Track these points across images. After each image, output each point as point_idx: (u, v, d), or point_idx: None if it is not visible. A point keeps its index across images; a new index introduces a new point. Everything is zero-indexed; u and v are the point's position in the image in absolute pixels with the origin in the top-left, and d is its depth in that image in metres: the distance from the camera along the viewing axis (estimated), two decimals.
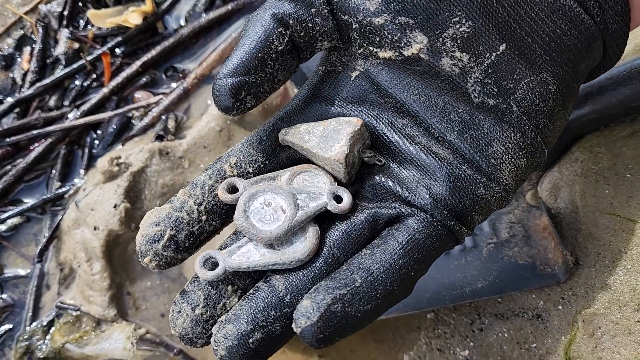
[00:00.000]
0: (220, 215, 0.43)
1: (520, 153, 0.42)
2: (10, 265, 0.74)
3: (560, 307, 0.60)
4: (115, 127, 0.78)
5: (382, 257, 0.40)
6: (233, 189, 0.42)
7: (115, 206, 0.68)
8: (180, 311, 0.41)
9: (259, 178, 0.43)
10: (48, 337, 0.69)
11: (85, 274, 0.69)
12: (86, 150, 0.78)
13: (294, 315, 0.38)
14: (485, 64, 0.41)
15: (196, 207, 0.42)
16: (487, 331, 0.62)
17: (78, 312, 0.69)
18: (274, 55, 0.41)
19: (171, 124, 0.77)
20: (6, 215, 0.75)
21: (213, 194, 0.42)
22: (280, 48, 0.41)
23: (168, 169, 0.72)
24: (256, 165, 0.44)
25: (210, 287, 0.41)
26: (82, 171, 0.77)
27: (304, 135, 0.43)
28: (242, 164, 0.44)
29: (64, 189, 0.76)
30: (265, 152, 0.44)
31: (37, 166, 0.78)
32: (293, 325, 0.38)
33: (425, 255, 0.41)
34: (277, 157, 0.45)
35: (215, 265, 0.41)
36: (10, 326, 0.71)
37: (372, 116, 0.44)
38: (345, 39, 0.43)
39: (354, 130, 0.42)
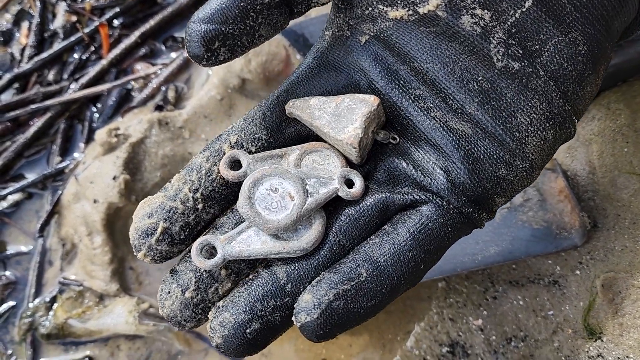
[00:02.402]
0: (218, 201, 0.39)
1: (547, 124, 0.38)
2: (13, 242, 0.73)
3: (577, 272, 0.57)
4: (114, 99, 0.77)
5: (390, 249, 0.37)
6: (235, 164, 0.39)
7: (114, 178, 0.67)
8: (169, 292, 0.38)
9: (265, 155, 0.39)
10: (51, 313, 0.67)
11: (87, 248, 0.67)
12: (86, 124, 0.77)
13: (294, 308, 0.36)
14: (509, 23, 0.37)
15: (191, 194, 0.39)
16: (501, 299, 0.59)
17: (81, 288, 0.68)
18: (258, 7, 0.37)
19: (171, 94, 0.75)
20: (7, 191, 0.74)
21: (210, 179, 0.39)
22: (266, 0, 0.37)
23: (168, 140, 0.70)
24: (259, 144, 0.40)
25: (202, 270, 0.38)
26: (82, 145, 0.76)
27: (314, 111, 0.39)
28: (244, 143, 0.40)
29: (64, 164, 0.74)
30: (270, 128, 0.40)
31: (37, 141, 0.77)
32: (293, 319, 0.36)
33: (437, 247, 0.38)
34: (282, 133, 0.41)
35: (212, 252, 0.38)
36: (14, 303, 0.70)
37: (385, 85, 0.40)
38: None
39: (370, 111, 0.38)
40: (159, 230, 0.38)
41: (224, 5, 0.36)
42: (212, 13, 0.36)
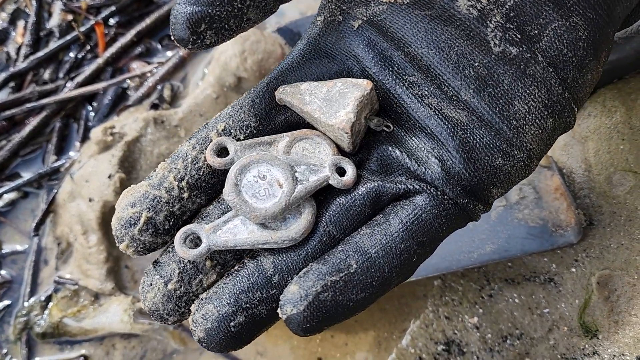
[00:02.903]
0: (205, 190, 0.38)
1: (546, 113, 0.36)
2: (8, 242, 0.73)
3: (573, 270, 0.57)
4: (110, 98, 0.77)
5: (382, 239, 0.35)
6: (223, 152, 0.38)
7: (109, 176, 0.66)
8: (151, 284, 0.37)
9: (253, 142, 0.38)
10: (46, 312, 0.67)
11: (82, 247, 0.67)
12: (82, 123, 0.77)
13: (280, 299, 0.34)
14: (508, 6, 0.36)
15: (177, 182, 0.37)
16: (497, 297, 0.59)
17: (76, 287, 0.68)
18: None
19: (167, 93, 0.75)
20: (2, 190, 0.74)
21: (197, 167, 0.38)
22: None
23: (164, 138, 0.70)
24: (248, 132, 0.39)
25: (186, 260, 0.37)
26: (77, 144, 0.75)
27: (305, 96, 0.38)
28: (232, 130, 0.39)
29: (60, 163, 0.74)
30: (259, 115, 0.39)
31: (33, 140, 0.77)
32: (279, 311, 0.34)
33: (431, 239, 0.36)
34: (272, 121, 0.39)
35: (197, 242, 0.37)
36: (9, 302, 0.69)
37: (378, 72, 0.38)
38: None
39: (363, 95, 0.37)
40: (142, 220, 0.36)
41: None
42: None
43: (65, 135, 0.77)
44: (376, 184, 0.37)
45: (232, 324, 0.35)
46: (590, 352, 0.54)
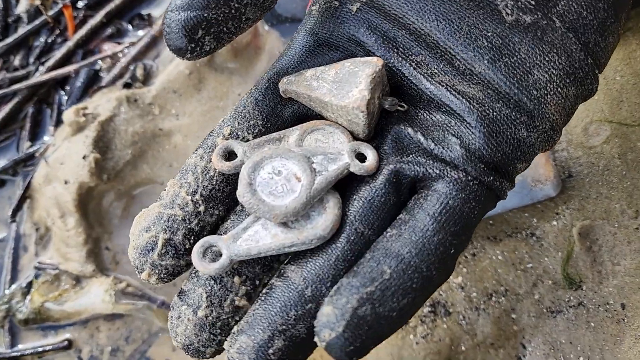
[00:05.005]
0: (221, 200, 0.35)
1: (568, 80, 0.34)
2: None
3: (554, 223, 0.57)
4: (82, 81, 0.75)
5: (411, 237, 0.32)
6: (231, 156, 0.35)
7: (84, 157, 0.66)
8: (180, 316, 0.34)
9: (262, 140, 0.35)
10: (28, 298, 0.66)
11: (60, 230, 0.66)
12: (55, 108, 0.76)
13: (314, 326, 0.30)
14: None
15: (190, 197, 0.34)
16: (480, 255, 0.59)
17: (56, 271, 0.67)
18: None
19: (139, 72, 0.74)
20: None
21: (208, 177, 0.35)
22: None
23: (138, 117, 0.69)
24: (256, 131, 0.36)
25: (212, 282, 0.34)
26: (51, 129, 0.74)
27: (312, 82, 0.36)
28: (239, 133, 0.36)
29: (34, 148, 0.73)
30: (265, 112, 0.37)
31: (6, 128, 0.76)
32: (316, 339, 0.30)
33: (464, 226, 0.33)
34: (279, 116, 0.37)
35: (217, 254, 0.33)
36: None
37: (384, 54, 0.36)
38: None
39: (375, 72, 0.34)
40: (160, 243, 0.34)
41: None
42: None
43: (38, 120, 0.76)
44: (393, 167, 0.35)
45: (270, 351, 0.32)
46: (576, 304, 0.54)
